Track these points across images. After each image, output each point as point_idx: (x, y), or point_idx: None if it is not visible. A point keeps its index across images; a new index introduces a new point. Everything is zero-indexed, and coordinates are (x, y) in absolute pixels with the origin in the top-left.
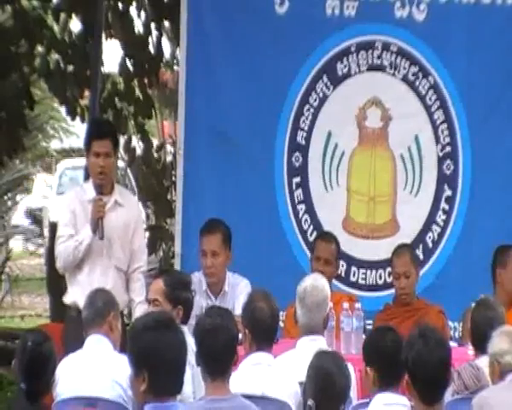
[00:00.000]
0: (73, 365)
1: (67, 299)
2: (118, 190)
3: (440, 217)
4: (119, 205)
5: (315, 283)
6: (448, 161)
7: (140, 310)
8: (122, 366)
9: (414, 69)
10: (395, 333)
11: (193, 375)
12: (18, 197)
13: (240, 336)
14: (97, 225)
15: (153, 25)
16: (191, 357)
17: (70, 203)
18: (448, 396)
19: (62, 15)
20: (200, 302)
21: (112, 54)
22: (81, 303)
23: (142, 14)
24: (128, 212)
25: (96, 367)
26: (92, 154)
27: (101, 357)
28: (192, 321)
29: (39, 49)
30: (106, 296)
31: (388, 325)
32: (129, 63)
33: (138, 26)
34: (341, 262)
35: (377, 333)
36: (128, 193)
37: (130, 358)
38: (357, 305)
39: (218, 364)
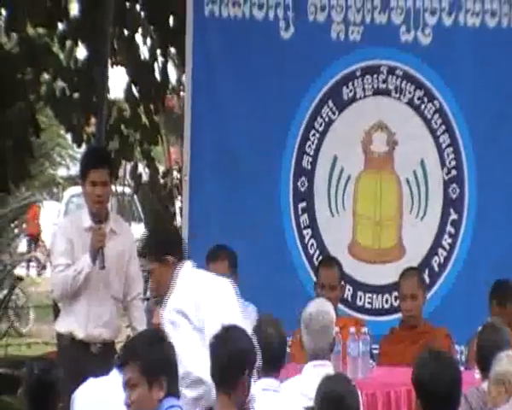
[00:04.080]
0: (94, 391)
1: (61, 327)
2: (112, 217)
3: (446, 240)
4: (114, 233)
5: (320, 308)
6: (454, 185)
7: None
8: None
9: (419, 93)
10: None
11: None
12: (24, 225)
13: None
14: (97, 254)
15: (158, 51)
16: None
17: (67, 232)
18: None
19: (68, 42)
20: None
21: (118, 80)
22: (77, 333)
23: (148, 40)
24: (123, 240)
25: (117, 395)
26: (89, 183)
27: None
28: None
29: (45, 76)
30: None
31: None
32: (135, 90)
33: (144, 53)
34: (348, 287)
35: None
36: (121, 220)
37: (147, 371)
38: (364, 329)
39: (223, 376)
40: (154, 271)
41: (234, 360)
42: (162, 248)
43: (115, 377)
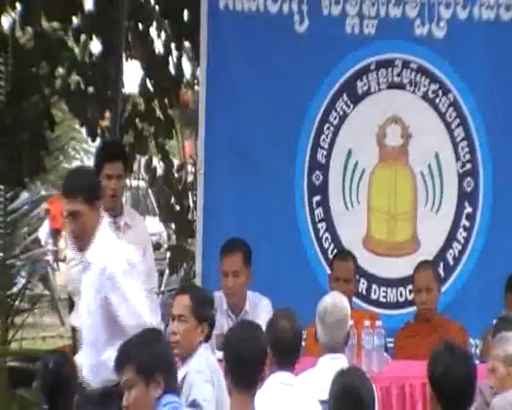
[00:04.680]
0: None
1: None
2: (127, 211)
3: (461, 234)
4: (128, 227)
5: (335, 301)
6: (468, 178)
7: None
8: None
9: (434, 87)
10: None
11: (216, 395)
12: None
13: None
14: None
15: (173, 45)
16: (214, 377)
17: None
18: None
19: (83, 37)
20: (222, 322)
21: (132, 74)
22: None
23: (163, 34)
24: (137, 234)
25: None
26: (104, 176)
27: None
28: (213, 340)
29: (60, 70)
30: None
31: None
32: (149, 84)
33: (158, 47)
34: (362, 280)
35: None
36: (137, 214)
37: (142, 370)
38: (379, 323)
39: (244, 374)
40: (82, 214)
41: (259, 358)
42: (94, 192)
43: None
